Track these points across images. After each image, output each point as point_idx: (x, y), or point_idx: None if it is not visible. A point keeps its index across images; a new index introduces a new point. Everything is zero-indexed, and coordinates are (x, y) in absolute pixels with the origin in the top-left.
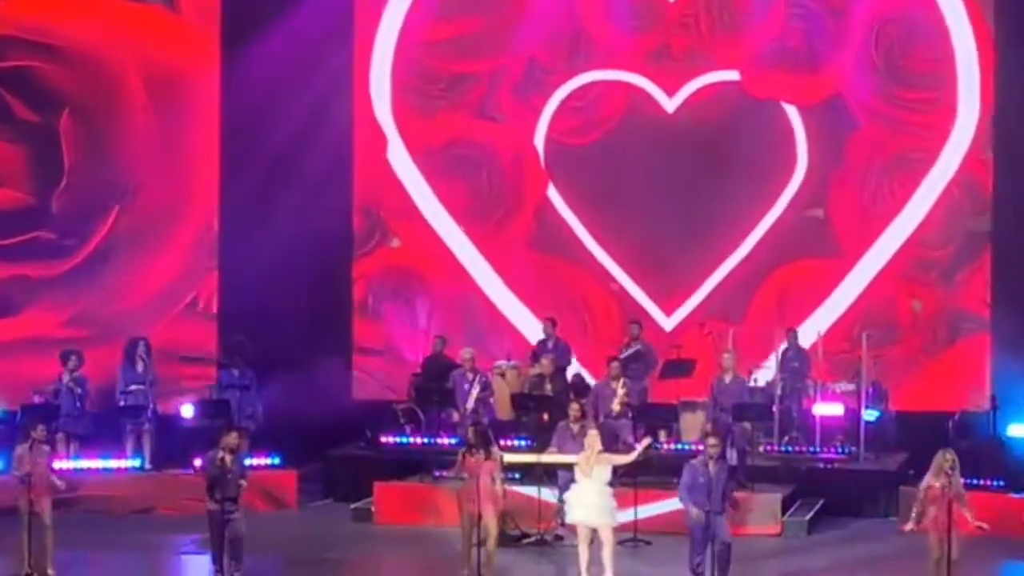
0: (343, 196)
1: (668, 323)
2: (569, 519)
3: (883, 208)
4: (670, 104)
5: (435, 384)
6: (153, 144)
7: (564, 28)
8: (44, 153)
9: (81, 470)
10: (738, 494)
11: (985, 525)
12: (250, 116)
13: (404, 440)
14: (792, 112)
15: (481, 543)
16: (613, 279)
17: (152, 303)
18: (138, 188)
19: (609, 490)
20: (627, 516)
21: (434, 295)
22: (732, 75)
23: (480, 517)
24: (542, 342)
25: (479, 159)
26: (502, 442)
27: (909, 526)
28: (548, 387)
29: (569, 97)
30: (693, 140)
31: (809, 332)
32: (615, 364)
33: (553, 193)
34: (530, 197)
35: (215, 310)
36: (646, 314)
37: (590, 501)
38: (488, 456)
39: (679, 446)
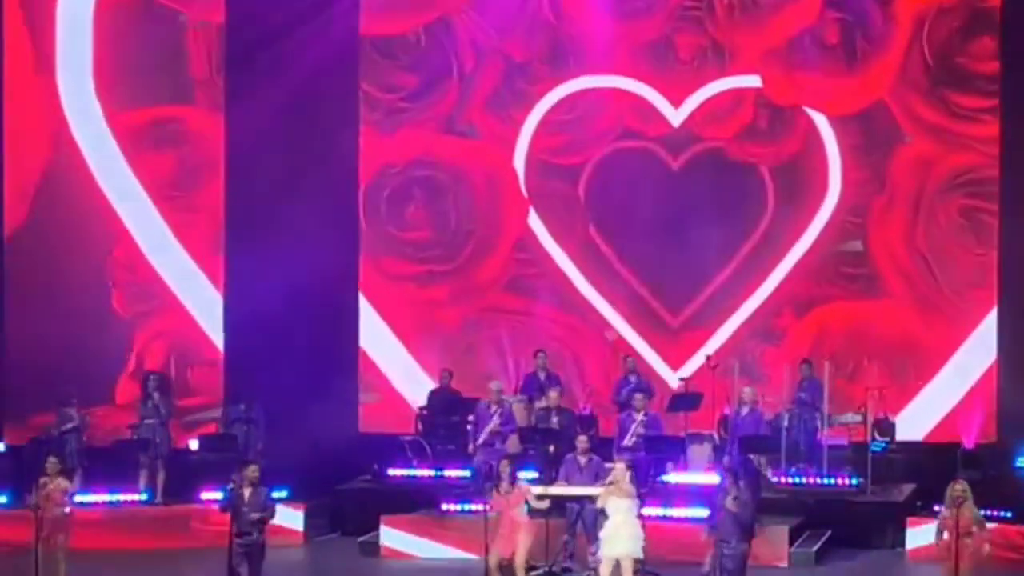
0: (349, 226)
1: (673, 380)
2: (605, 554)
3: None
4: (676, 116)
5: (441, 417)
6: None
7: (545, 20)
8: None
9: (90, 504)
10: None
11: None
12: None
13: (411, 473)
14: (822, 123)
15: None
16: (609, 326)
17: None
18: None
19: (635, 521)
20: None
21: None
22: (752, 80)
23: (510, 551)
24: (532, 375)
25: (445, 182)
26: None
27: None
28: (555, 420)
29: (555, 108)
30: (703, 160)
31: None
32: (639, 396)
33: (535, 223)
34: (508, 228)
35: (220, 345)
36: (652, 370)
37: (619, 533)
38: (513, 488)
39: (686, 479)
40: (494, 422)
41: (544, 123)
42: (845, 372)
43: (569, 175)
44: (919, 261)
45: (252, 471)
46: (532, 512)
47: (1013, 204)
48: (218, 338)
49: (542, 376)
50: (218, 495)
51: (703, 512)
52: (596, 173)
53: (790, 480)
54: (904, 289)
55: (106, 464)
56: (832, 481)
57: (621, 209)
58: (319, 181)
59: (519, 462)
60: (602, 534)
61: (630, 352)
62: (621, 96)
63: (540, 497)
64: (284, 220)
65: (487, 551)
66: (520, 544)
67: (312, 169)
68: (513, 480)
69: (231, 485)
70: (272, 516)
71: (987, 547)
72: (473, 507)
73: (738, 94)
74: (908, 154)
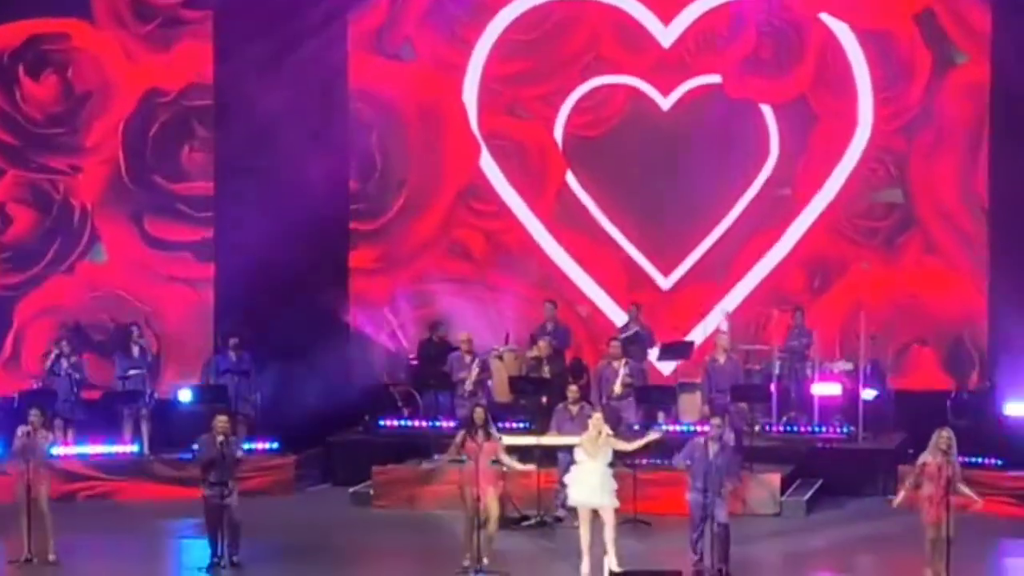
0: (341, 183)
1: (666, 283)
2: (571, 501)
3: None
4: (665, 103)
5: (432, 368)
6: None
7: (582, 48)
8: None
9: (79, 456)
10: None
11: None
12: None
13: (402, 424)
14: (766, 110)
15: (482, 526)
16: (621, 249)
17: None
18: None
19: (610, 471)
20: (627, 497)
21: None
22: (715, 79)
23: (479, 499)
24: (542, 326)
25: (510, 150)
26: (501, 425)
27: (897, 501)
28: (546, 370)
29: (582, 98)
30: (684, 133)
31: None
32: (615, 344)
33: (571, 178)
34: (552, 181)
35: (211, 294)
36: (647, 276)
37: (593, 482)
38: (488, 438)
39: (678, 427)
40: (475, 372)
41: (575, 108)
42: (806, 297)
43: (593, 143)
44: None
45: (221, 422)
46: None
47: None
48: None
49: (549, 327)
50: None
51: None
52: (611, 142)
53: (781, 429)
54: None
55: (94, 416)
56: (823, 429)
57: (628, 167)
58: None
59: (509, 412)
60: (568, 479)
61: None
62: (627, 89)
63: (510, 449)
64: (275, 174)
65: (461, 497)
66: (488, 495)
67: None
68: (488, 432)
69: (204, 437)
70: (239, 465)
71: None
72: (463, 457)
73: (706, 89)
74: (821, 130)
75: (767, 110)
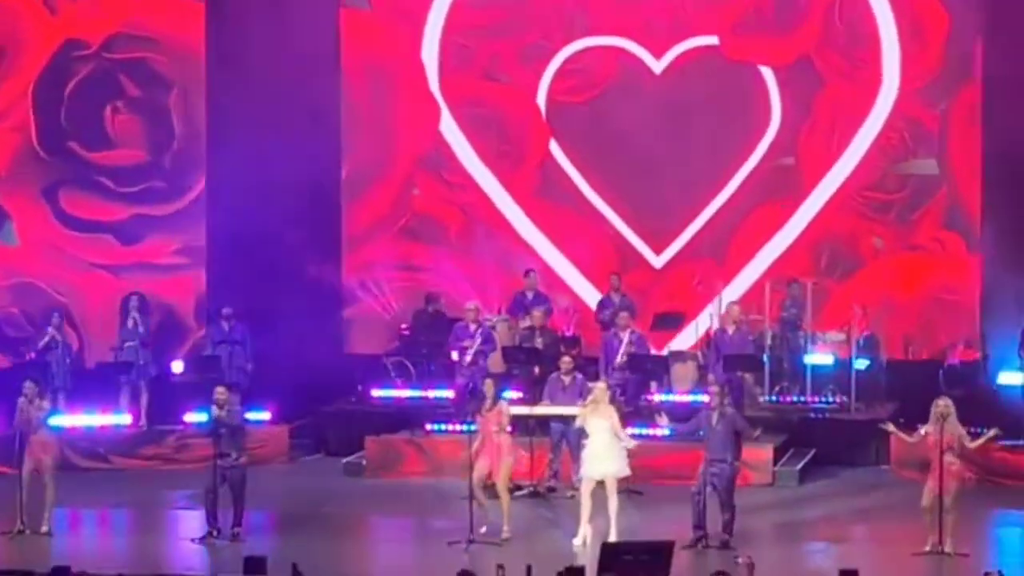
0: (332, 147)
1: (658, 261)
2: (581, 473)
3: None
4: (657, 66)
5: (424, 337)
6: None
7: (566, 4)
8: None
9: (74, 427)
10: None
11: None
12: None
13: (395, 394)
14: (767, 73)
15: (489, 494)
16: (608, 223)
17: None
18: None
19: (617, 441)
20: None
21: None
22: (712, 40)
23: (490, 470)
24: (520, 294)
25: (488, 117)
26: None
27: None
28: (539, 340)
29: (567, 61)
30: (679, 98)
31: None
32: (624, 315)
33: (554, 147)
34: (534, 151)
35: (203, 263)
36: (638, 254)
37: (598, 452)
38: (494, 407)
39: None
40: (476, 341)
41: (559, 71)
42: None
43: (579, 110)
44: None
45: (219, 393)
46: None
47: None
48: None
49: (529, 296)
50: (202, 417)
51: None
52: (598, 108)
53: (774, 399)
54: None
55: (89, 386)
56: (816, 399)
57: (617, 136)
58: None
59: (503, 382)
60: (583, 455)
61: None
62: (616, 51)
63: (513, 418)
64: (267, 144)
65: (471, 470)
66: (502, 464)
67: (296, 89)
68: (496, 400)
69: (211, 408)
70: (242, 435)
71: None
72: (456, 427)
73: (702, 51)
74: (827, 94)
75: (768, 73)
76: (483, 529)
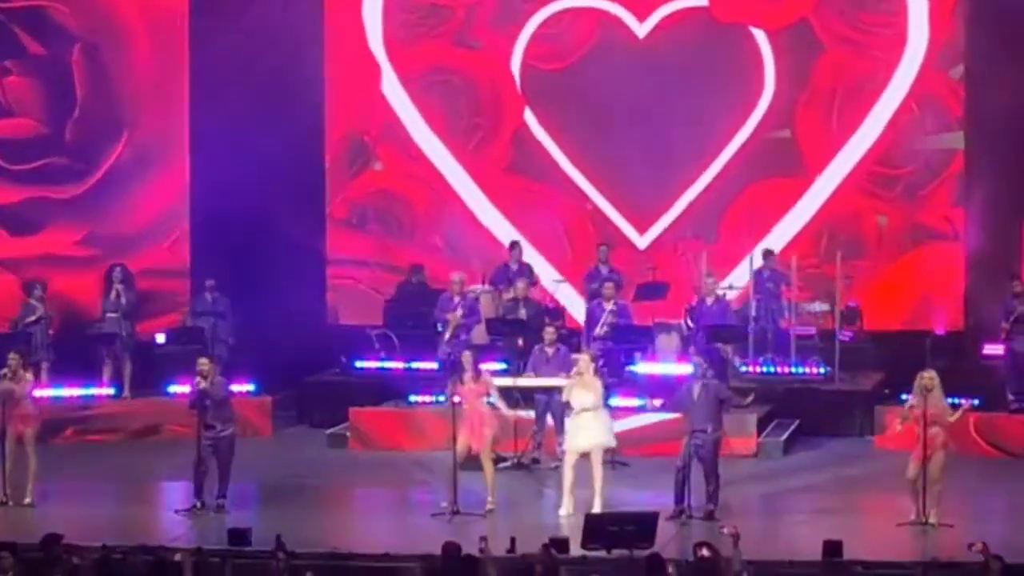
0: (315, 121)
1: (641, 242)
2: (568, 446)
3: (847, 129)
4: (641, 29)
5: (409, 309)
6: (152, 76)
7: None
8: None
9: (58, 398)
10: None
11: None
12: (224, 39)
13: (379, 366)
14: (760, 36)
15: (472, 466)
16: (587, 199)
17: (154, 227)
18: (140, 117)
19: (604, 411)
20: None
21: (415, 218)
22: (701, 0)
23: (471, 442)
24: (504, 265)
25: (458, 85)
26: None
27: (897, 427)
28: (522, 311)
29: (543, 24)
30: (664, 64)
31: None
32: (609, 286)
33: (530, 117)
34: (507, 122)
35: (188, 236)
36: (620, 234)
37: (584, 426)
38: (477, 380)
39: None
40: (457, 313)
41: (535, 36)
42: (812, 261)
43: (556, 77)
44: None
45: (202, 364)
46: (495, 404)
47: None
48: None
49: (513, 267)
50: (185, 388)
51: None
52: (578, 75)
53: (758, 370)
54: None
55: (72, 358)
56: (800, 370)
57: (598, 105)
58: (285, 71)
59: (486, 353)
60: (567, 426)
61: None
62: (596, 13)
63: (501, 390)
64: (250, 112)
65: (455, 442)
66: (485, 436)
67: (279, 61)
68: (477, 372)
69: (195, 380)
70: (227, 406)
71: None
72: (441, 399)
73: (690, 12)
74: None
75: (761, 37)
76: (443, 504)
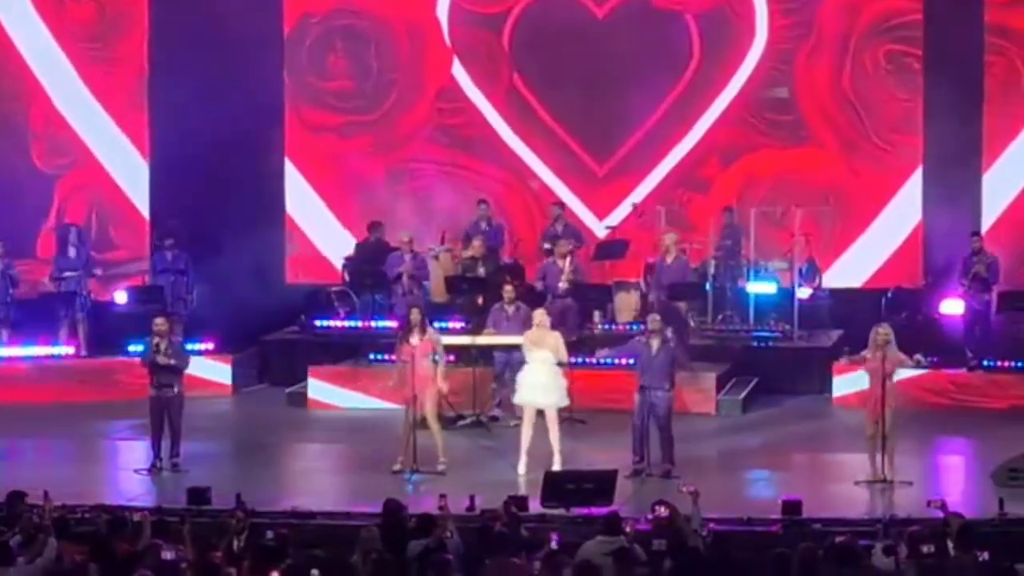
0: (275, 80)
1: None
2: (517, 399)
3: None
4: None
5: (368, 267)
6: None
7: None
8: None
9: (15, 357)
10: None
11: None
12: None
13: (338, 324)
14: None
15: (419, 426)
16: (533, 176)
17: None
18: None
19: (558, 370)
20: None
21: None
22: None
23: (416, 400)
24: (475, 224)
25: (366, 32)
26: (437, 325)
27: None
28: (481, 269)
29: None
30: (617, 40)
31: None
32: (563, 242)
33: (460, 72)
34: (431, 78)
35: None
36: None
37: (539, 381)
38: (424, 337)
39: (613, 326)
40: (405, 265)
41: None
42: (772, 219)
43: (495, 23)
44: (846, 107)
45: (159, 323)
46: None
47: (936, 52)
48: (141, 192)
49: (483, 226)
50: (141, 347)
51: (628, 360)
52: (523, 20)
53: (717, 327)
54: (831, 136)
55: (29, 317)
56: (759, 328)
57: (546, 59)
58: (242, 30)
59: (446, 311)
60: (519, 380)
61: (556, 199)
62: None
63: (448, 348)
64: (208, 71)
65: (413, 401)
66: (428, 395)
67: (235, 19)
68: (424, 329)
69: (150, 339)
70: (183, 365)
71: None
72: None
73: None
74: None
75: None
76: (396, 465)
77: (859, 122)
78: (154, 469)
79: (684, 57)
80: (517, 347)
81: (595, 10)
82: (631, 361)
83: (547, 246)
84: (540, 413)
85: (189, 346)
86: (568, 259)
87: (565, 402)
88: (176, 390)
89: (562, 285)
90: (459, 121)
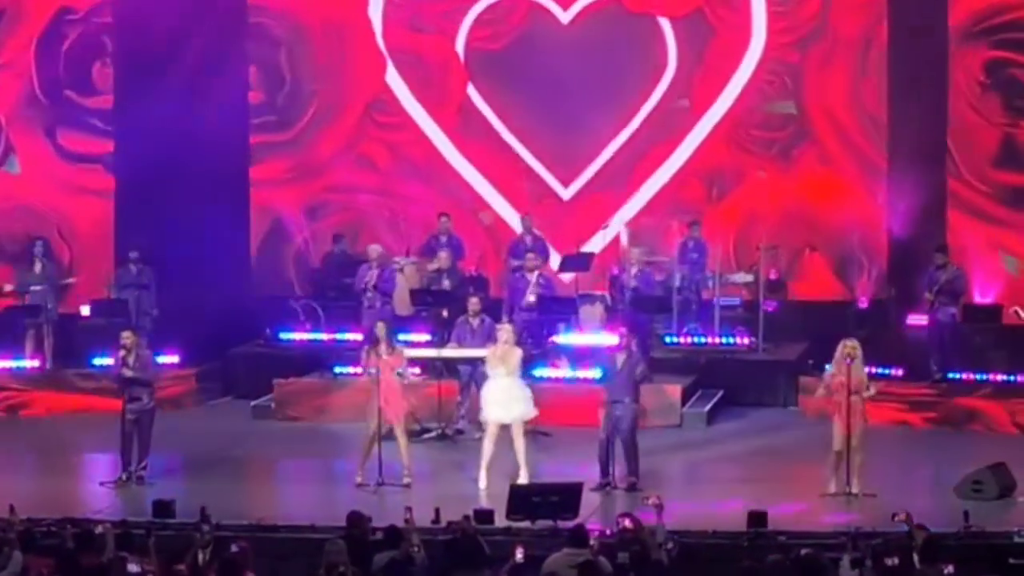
0: (239, 91)
1: (566, 193)
2: (482, 417)
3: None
4: (565, 16)
5: (333, 280)
6: None
7: None
8: None
9: None
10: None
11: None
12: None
13: (303, 336)
14: (664, 23)
15: (383, 439)
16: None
17: None
18: None
19: (522, 383)
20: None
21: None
22: None
23: (383, 413)
24: (435, 236)
25: (413, 63)
26: (402, 337)
27: (820, 392)
28: (446, 282)
29: (483, 11)
30: (585, 46)
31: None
32: (531, 256)
33: (472, 91)
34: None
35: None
36: (547, 187)
37: (502, 396)
38: (391, 351)
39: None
40: (370, 276)
41: (476, 21)
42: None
43: (495, 56)
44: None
45: (126, 337)
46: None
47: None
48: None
49: (443, 239)
50: (109, 360)
51: (595, 373)
52: (513, 55)
53: (682, 340)
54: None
55: None
56: (724, 340)
57: (530, 79)
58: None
59: (411, 324)
60: (484, 396)
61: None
62: (527, 3)
63: (413, 360)
64: (175, 86)
65: (379, 415)
66: (399, 409)
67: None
68: (391, 344)
69: (119, 352)
70: (152, 378)
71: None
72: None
73: (605, 2)
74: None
75: (665, 24)
76: (358, 478)
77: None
78: (120, 482)
79: (660, 67)
80: (482, 360)
81: (559, 15)
82: (596, 375)
83: (515, 263)
84: (505, 427)
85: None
86: (535, 273)
87: (532, 413)
88: (146, 403)
89: (528, 299)
90: (397, 139)
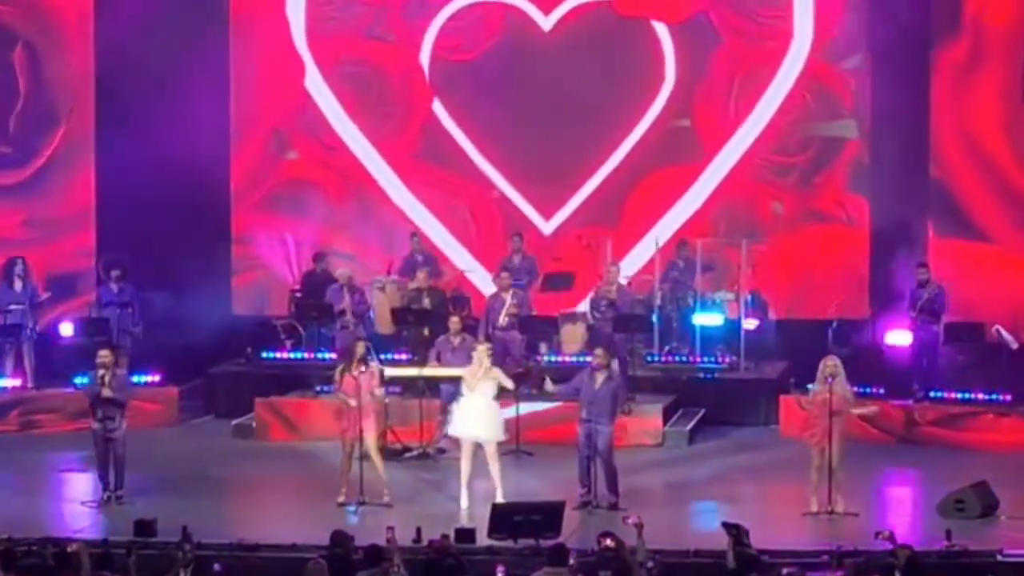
0: (221, 109)
1: (547, 227)
2: (452, 431)
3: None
4: (546, 23)
5: (314, 299)
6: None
7: None
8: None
9: None
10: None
11: (874, 409)
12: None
13: (285, 356)
14: (661, 29)
15: (363, 458)
16: (494, 187)
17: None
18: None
19: (496, 404)
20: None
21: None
22: None
23: (361, 432)
24: (409, 257)
25: (369, 77)
26: (383, 356)
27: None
28: (426, 301)
29: (451, 18)
30: (569, 56)
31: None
32: (505, 275)
33: (438, 107)
34: (416, 111)
35: (94, 226)
36: (527, 220)
37: (477, 416)
38: (364, 371)
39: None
40: (345, 303)
41: (444, 29)
42: (720, 251)
43: (465, 68)
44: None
45: (103, 356)
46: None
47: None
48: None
49: (419, 258)
50: (86, 380)
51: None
52: (485, 67)
53: (663, 359)
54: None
55: None
56: (705, 359)
57: (505, 96)
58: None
59: (392, 343)
60: (455, 411)
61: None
62: (502, 7)
63: (394, 379)
64: (156, 108)
65: (360, 433)
66: (369, 428)
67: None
68: (366, 362)
69: (94, 372)
70: (126, 399)
71: (874, 409)
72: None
73: (593, 6)
74: (724, 52)
75: (662, 29)
76: (340, 498)
77: None
78: (102, 501)
79: (656, 80)
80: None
81: (540, 20)
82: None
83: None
84: (480, 445)
85: (135, 378)
86: (511, 292)
87: (503, 436)
88: (119, 423)
89: (503, 320)
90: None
